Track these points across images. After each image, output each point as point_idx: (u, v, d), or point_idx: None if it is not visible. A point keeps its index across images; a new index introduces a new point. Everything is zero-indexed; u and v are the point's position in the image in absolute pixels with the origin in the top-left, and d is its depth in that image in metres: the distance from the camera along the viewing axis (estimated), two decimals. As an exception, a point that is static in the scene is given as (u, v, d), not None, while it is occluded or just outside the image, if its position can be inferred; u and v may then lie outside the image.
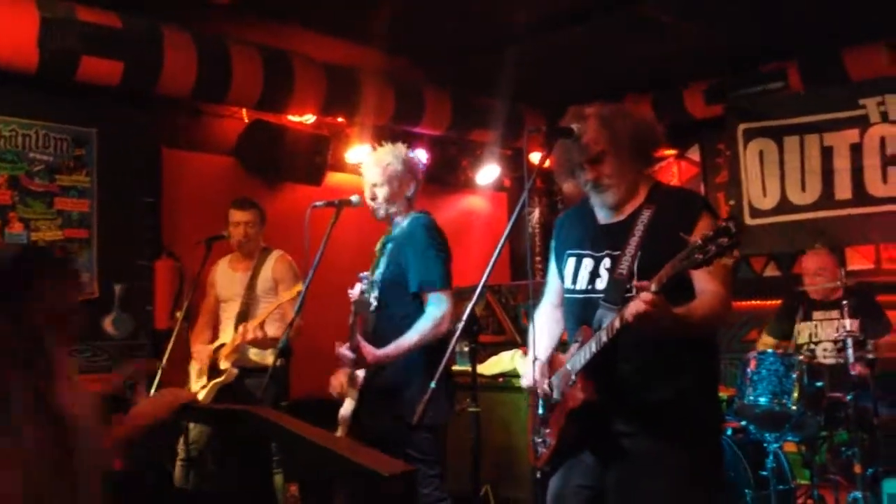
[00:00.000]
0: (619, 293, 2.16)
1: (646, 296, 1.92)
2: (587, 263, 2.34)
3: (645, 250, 2.19)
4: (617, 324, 2.00)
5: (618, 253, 2.24)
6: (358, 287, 2.97)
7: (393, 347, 2.97)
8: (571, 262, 2.40)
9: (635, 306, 1.94)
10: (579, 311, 2.33)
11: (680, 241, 2.07)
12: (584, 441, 2.25)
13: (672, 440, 2.17)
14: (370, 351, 2.96)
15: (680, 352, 2.17)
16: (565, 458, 2.30)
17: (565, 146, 2.32)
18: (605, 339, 2.06)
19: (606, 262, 2.28)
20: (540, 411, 2.37)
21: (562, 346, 2.52)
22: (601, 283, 2.27)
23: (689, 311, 2.07)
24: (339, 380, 3.24)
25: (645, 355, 2.16)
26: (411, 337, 2.97)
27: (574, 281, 2.36)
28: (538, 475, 2.39)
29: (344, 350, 2.98)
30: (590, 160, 2.28)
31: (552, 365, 2.36)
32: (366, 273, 3.00)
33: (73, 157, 4.70)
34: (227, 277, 4.32)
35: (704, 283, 2.14)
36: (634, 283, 2.02)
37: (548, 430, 2.30)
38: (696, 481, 2.18)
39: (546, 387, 2.31)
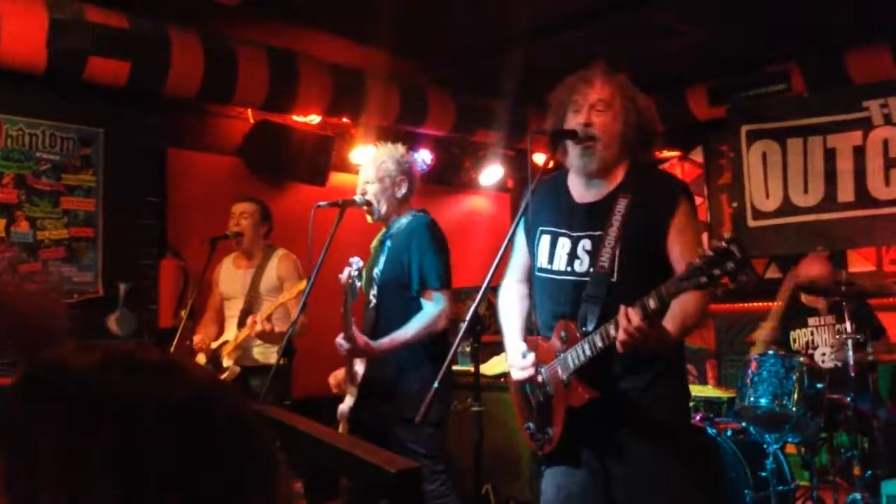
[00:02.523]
0: (601, 288, 2.18)
1: (635, 322, 1.94)
2: (563, 243, 2.32)
3: (625, 240, 2.19)
4: (612, 332, 2.03)
5: (598, 234, 2.23)
6: (346, 271, 2.96)
7: (387, 341, 3.01)
8: (546, 239, 2.37)
9: (623, 332, 1.97)
10: (555, 293, 2.33)
11: (659, 230, 2.15)
12: (586, 434, 2.26)
13: (660, 426, 2.21)
14: (363, 340, 2.98)
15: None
16: (567, 451, 2.31)
17: (571, 85, 2.33)
18: (600, 344, 2.09)
19: (586, 244, 2.27)
20: (529, 399, 2.37)
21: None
22: (580, 266, 2.27)
23: (682, 323, 2.11)
24: (338, 378, 3.27)
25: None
26: (406, 332, 3.00)
27: (550, 260, 2.34)
28: (542, 467, 2.41)
29: (340, 340, 3.01)
30: (593, 104, 2.27)
31: (538, 349, 2.34)
32: (356, 258, 3.00)
33: (79, 157, 4.73)
34: (230, 275, 4.33)
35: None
36: (622, 311, 1.99)
37: (546, 422, 2.32)
38: (694, 465, 2.27)
39: (537, 376, 2.31)
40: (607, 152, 2.27)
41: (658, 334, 2.00)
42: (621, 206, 2.23)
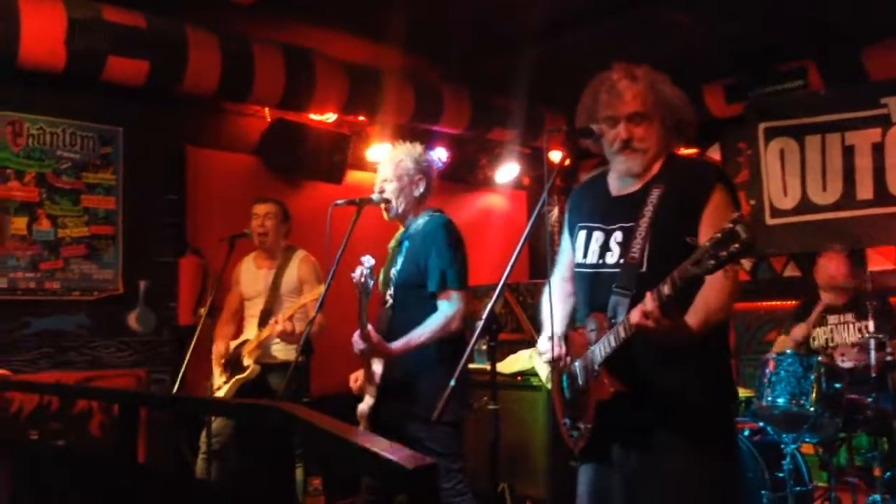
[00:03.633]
0: (631, 279, 2.16)
1: (648, 306, 1.93)
2: (598, 237, 2.33)
3: (656, 230, 2.17)
4: (633, 322, 2.01)
5: (630, 225, 2.23)
6: (359, 270, 2.96)
7: (402, 343, 3.02)
8: (582, 234, 2.39)
9: (637, 316, 1.96)
10: (589, 287, 2.33)
11: (691, 218, 2.11)
12: (615, 430, 2.25)
13: (686, 425, 2.17)
14: (378, 339, 3.00)
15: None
16: (598, 447, 2.30)
17: (596, 94, 2.32)
18: (623, 335, 2.06)
19: (618, 236, 2.27)
20: (565, 394, 2.38)
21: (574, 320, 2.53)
22: (611, 258, 2.27)
23: (705, 317, 2.07)
24: (358, 378, 3.29)
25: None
26: (421, 333, 3.01)
27: (585, 254, 2.36)
28: (573, 464, 2.41)
29: (356, 338, 3.02)
30: (629, 117, 2.27)
31: (571, 343, 2.35)
32: (367, 256, 3.00)
33: (99, 155, 4.78)
34: (250, 275, 4.37)
35: None
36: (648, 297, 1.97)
37: (580, 417, 2.32)
38: (711, 467, 2.19)
39: (570, 364, 2.30)
40: (649, 155, 2.29)
41: (674, 325, 1.97)
42: (654, 196, 2.22)
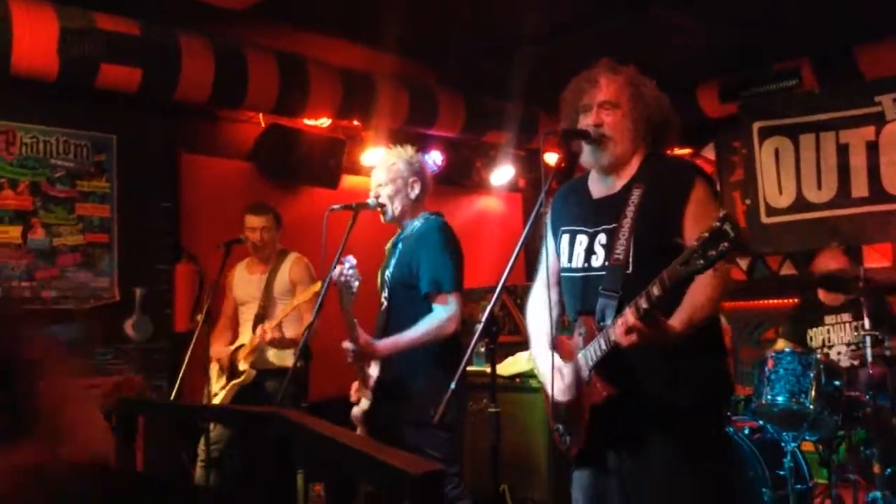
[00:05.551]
0: (617, 281, 2.15)
1: (630, 321, 1.92)
2: (581, 240, 2.32)
3: (639, 230, 2.17)
4: (619, 340, 2.00)
5: (613, 226, 2.22)
6: (338, 269, 2.87)
7: (391, 342, 3.01)
8: (566, 238, 2.38)
9: (620, 333, 1.95)
10: (577, 291, 2.32)
11: (674, 216, 2.11)
12: (609, 434, 2.24)
13: (675, 427, 2.16)
14: (365, 339, 2.98)
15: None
16: (592, 452, 2.29)
17: (576, 88, 2.33)
18: (613, 338, 2.05)
19: (602, 238, 2.27)
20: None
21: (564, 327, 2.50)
22: (597, 261, 2.26)
23: (690, 315, 2.05)
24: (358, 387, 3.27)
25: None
26: (411, 334, 2.99)
27: (570, 258, 2.35)
28: (572, 469, 2.39)
29: (346, 343, 3.00)
30: (601, 104, 2.27)
31: (560, 351, 2.33)
32: (349, 256, 2.93)
33: (93, 163, 4.77)
34: (244, 280, 4.37)
35: None
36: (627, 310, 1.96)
37: (573, 422, 2.30)
38: (702, 469, 2.18)
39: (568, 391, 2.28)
40: (618, 148, 2.28)
41: (659, 331, 1.96)
42: (635, 196, 2.22)
